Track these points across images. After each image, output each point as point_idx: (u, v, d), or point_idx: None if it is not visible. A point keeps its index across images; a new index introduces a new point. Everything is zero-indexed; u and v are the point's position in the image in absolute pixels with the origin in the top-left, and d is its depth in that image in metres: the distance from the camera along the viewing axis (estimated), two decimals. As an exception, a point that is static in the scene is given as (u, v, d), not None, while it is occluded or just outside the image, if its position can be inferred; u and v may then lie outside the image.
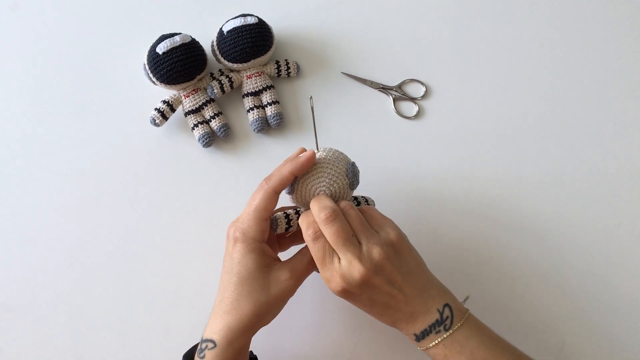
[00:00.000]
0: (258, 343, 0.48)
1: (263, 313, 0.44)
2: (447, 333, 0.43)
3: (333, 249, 0.43)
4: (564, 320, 0.57)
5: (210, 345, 0.44)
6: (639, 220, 0.60)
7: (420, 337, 0.44)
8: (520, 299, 0.58)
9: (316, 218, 0.43)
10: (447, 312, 0.44)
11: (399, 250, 0.44)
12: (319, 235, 0.43)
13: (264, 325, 0.46)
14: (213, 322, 0.45)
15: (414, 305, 0.44)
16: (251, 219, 0.45)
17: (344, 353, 0.57)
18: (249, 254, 0.44)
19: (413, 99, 0.65)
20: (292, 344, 0.56)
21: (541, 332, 0.57)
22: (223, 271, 0.46)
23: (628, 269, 0.59)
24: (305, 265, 0.47)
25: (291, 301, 0.47)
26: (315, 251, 0.43)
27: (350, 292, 0.43)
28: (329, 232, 0.42)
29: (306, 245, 0.47)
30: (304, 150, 0.50)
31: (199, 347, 0.45)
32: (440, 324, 0.44)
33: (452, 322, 0.44)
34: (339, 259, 0.43)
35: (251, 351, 0.50)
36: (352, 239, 0.43)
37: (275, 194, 0.45)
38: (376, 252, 0.42)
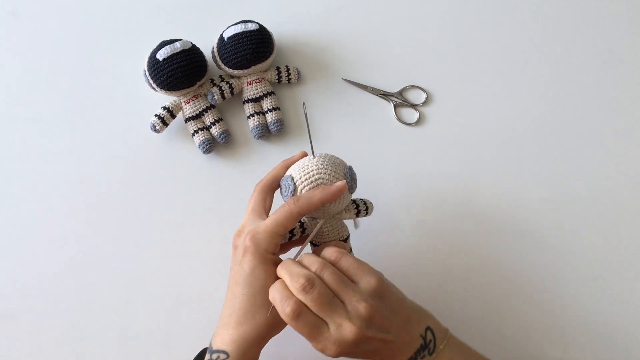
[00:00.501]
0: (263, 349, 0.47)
1: (276, 324, 0.44)
2: (431, 357, 0.44)
3: (318, 318, 0.41)
4: (564, 329, 0.57)
5: (223, 356, 0.43)
6: (641, 228, 0.60)
7: None
8: (520, 306, 0.58)
9: (291, 288, 0.42)
10: (429, 335, 0.44)
11: (382, 295, 0.43)
12: (299, 312, 0.41)
13: (275, 335, 0.46)
14: (224, 332, 0.44)
15: (400, 339, 0.43)
16: (268, 231, 0.44)
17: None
18: (261, 265, 0.44)
19: (414, 106, 0.65)
20: (295, 349, 0.56)
21: (541, 340, 0.57)
22: (232, 282, 0.45)
23: (630, 277, 0.59)
24: None
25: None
26: (300, 328, 0.41)
27: (346, 353, 0.42)
28: (309, 301, 0.41)
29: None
30: (305, 153, 0.50)
31: (209, 358, 0.44)
32: (424, 349, 0.44)
33: (435, 345, 0.44)
34: (327, 324, 0.41)
35: None
36: (335, 300, 0.41)
37: (299, 217, 0.44)
38: (362, 307, 0.41)
